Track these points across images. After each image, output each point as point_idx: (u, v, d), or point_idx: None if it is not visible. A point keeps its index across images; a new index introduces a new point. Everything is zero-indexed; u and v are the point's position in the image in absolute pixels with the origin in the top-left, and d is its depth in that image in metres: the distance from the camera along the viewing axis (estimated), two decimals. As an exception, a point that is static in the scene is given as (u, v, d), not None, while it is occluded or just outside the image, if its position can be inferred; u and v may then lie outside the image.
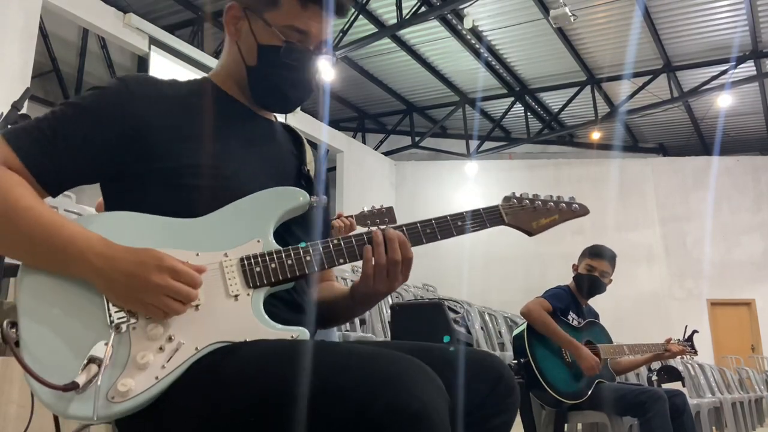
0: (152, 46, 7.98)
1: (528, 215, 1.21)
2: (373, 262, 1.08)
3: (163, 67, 7.94)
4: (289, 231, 1.13)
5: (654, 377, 4.16)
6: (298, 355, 0.91)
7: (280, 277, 1.04)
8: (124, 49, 8.97)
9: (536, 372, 3.10)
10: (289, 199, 1.11)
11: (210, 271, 1.02)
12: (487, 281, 11.89)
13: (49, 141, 1.02)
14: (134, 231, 1.02)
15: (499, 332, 6.43)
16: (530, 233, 1.22)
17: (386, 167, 13.26)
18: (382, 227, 1.11)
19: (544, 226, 1.22)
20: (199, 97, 1.15)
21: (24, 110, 2.36)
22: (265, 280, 1.03)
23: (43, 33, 8.72)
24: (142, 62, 8.61)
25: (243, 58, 1.16)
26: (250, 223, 1.07)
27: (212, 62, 8.78)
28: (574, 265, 3.43)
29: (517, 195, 1.21)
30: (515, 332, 3.34)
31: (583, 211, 1.25)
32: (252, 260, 1.04)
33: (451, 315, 3.31)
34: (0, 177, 0.98)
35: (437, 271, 10.82)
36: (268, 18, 1.12)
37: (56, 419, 1.26)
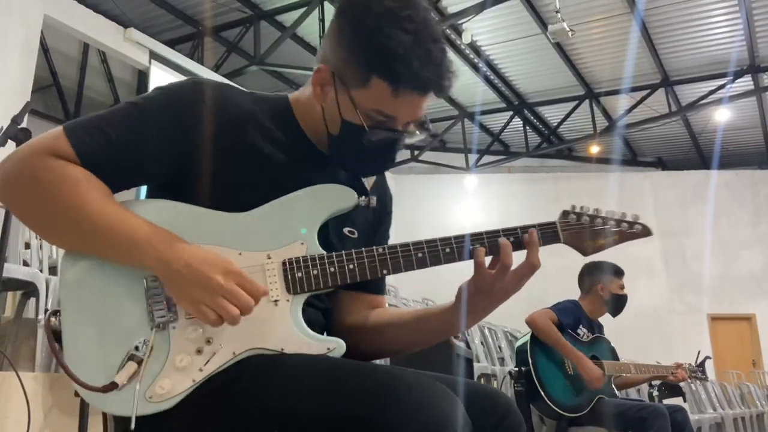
0: (153, 60, 8.00)
1: (587, 234, 1.10)
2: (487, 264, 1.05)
3: (164, 82, 7.95)
4: (334, 232, 1.11)
5: (655, 393, 4.13)
6: (330, 377, 0.92)
7: (322, 285, 1.02)
8: (124, 64, 9.00)
9: (536, 382, 3.09)
10: (335, 197, 1.07)
11: (252, 273, 0.99)
12: (487, 295, 11.87)
13: (110, 142, 1.00)
14: (177, 221, 1.00)
15: (499, 347, 6.40)
16: (585, 253, 1.11)
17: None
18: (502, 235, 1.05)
19: (601, 246, 1.11)
20: (271, 122, 1.11)
21: (24, 124, 2.37)
22: (306, 287, 1.01)
23: (43, 47, 8.76)
24: (143, 76, 8.64)
25: (326, 123, 1.09)
26: (295, 221, 1.04)
27: (212, 76, 8.81)
28: (601, 286, 3.41)
29: (577, 209, 1.11)
30: (519, 341, 3.34)
31: (645, 232, 1.12)
32: (294, 264, 1.01)
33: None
34: (67, 169, 0.97)
35: (437, 285, 10.77)
36: (355, 96, 1.03)
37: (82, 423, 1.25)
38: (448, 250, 1.05)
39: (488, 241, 1.05)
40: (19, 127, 2.29)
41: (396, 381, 0.89)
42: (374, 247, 1.04)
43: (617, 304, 3.39)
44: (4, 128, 2.27)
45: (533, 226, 1.07)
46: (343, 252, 1.03)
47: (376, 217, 1.22)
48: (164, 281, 0.95)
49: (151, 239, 0.95)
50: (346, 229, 1.14)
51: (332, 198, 1.06)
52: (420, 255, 1.05)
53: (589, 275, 3.47)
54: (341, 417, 0.86)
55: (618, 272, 3.44)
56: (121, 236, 0.95)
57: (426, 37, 1.02)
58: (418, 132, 1.10)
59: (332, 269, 1.02)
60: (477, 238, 1.05)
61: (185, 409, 0.94)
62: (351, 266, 1.02)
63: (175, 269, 0.93)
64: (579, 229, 1.09)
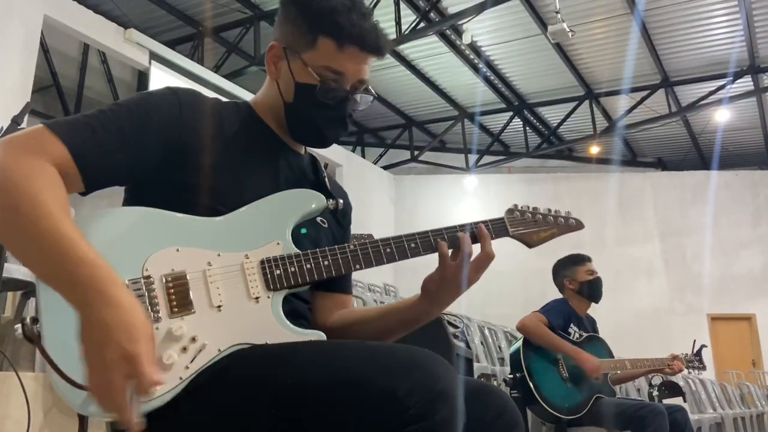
0: (152, 61, 8.01)
1: (530, 228, 1.24)
2: (449, 259, 1.14)
3: (164, 82, 7.97)
4: (310, 221, 1.17)
5: (655, 392, 4.14)
6: (317, 351, 0.96)
7: (300, 281, 1.07)
8: (124, 64, 9.00)
9: (532, 387, 3.08)
10: (306, 201, 1.14)
11: (232, 272, 1.04)
12: (487, 295, 11.85)
13: (98, 137, 1.01)
14: (157, 226, 1.03)
15: (499, 347, 6.40)
16: (530, 245, 1.26)
17: (385, 181, 13.28)
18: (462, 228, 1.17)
19: (543, 239, 1.26)
20: (239, 123, 1.19)
21: (24, 124, 2.37)
22: (285, 283, 1.06)
23: (43, 48, 8.76)
24: (143, 77, 8.64)
25: (281, 94, 1.20)
26: (269, 224, 1.09)
27: (212, 77, 8.82)
28: (568, 280, 3.42)
29: (520, 207, 1.26)
30: (512, 348, 3.33)
31: (578, 226, 1.29)
32: (272, 263, 1.06)
33: (451, 330, 3.30)
34: (37, 175, 0.92)
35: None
36: (306, 58, 1.16)
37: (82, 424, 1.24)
38: (413, 245, 1.14)
39: (448, 235, 1.16)
40: (19, 127, 2.29)
41: (384, 348, 0.94)
42: (346, 245, 1.12)
43: (590, 290, 3.37)
44: (4, 128, 2.27)
45: (485, 222, 1.21)
46: (318, 250, 1.10)
47: (339, 215, 1.31)
48: (79, 324, 0.86)
49: (90, 278, 0.86)
50: (318, 219, 1.23)
51: (304, 202, 1.14)
52: (388, 250, 1.13)
53: (556, 276, 3.48)
54: (331, 385, 0.90)
55: (577, 260, 3.43)
56: (61, 264, 0.87)
57: (360, 5, 1.17)
58: (364, 94, 1.21)
59: (308, 266, 1.08)
60: (437, 233, 1.16)
61: (178, 408, 0.95)
62: (326, 262, 1.09)
63: (90, 319, 0.85)
64: (523, 223, 1.24)
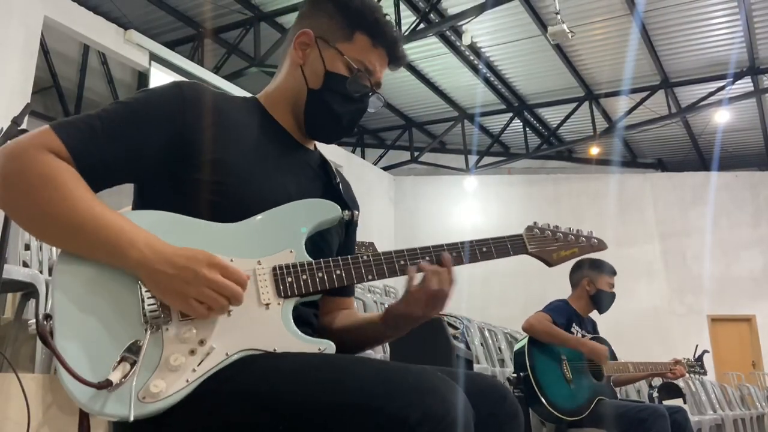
0: (152, 62, 8.01)
1: (549, 246, 1.22)
2: (416, 282, 1.12)
3: (164, 83, 7.95)
4: (319, 242, 1.16)
5: (655, 394, 4.13)
6: (329, 369, 0.94)
7: (311, 289, 1.06)
8: (124, 65, 9.01)
9: (535, 387, 3.09)
10: (322, 211, 1.13)
11: None
12: (487, 297, 11.86)
13: (98, 136, 1.02)
14: (171, 230, 1.03)
15: (499, 348, 6.39)
16: (550, 264, 1.23)
17: (385, 182, 13.28)
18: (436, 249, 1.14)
19: (563, 257, 1.23)
20: (247, 117, 1.18)
21: (24, 125, 2.37)
22: (296, 291, 1.05)
23: (44, 49, 8.76)
24: (143, 78, 8.64)
25: (306, 80, 1.20)
26: (283, 232, 1.09)
27: (212, 78, 8.81)
28: (587, 281, 3.41)
29: (539, 225, 1.23)
30: (516, 347, 3.34)
31: (601, 246, 1.27)
32: (284, 270, 1.06)
33: (451, 331, 3.30)
34: (53, 166, 0.97)
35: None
36: (340, 48, 1.19)
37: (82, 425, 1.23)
38: (427, 258, 1.13)
39: (457, 250, 1.14)
40: (19, 128, 2.29)
41: (396, 370, 0.92)
42: (359, 255, 1.11)
43: (603, 301, 3.38)
44: (4, 129, 2.27)
45: (502, 239, 1.18)
46: (330, 259, 1.09)
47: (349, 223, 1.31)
48: (147, 281, 0.96)
49: (134, 240, 0.96)
50: None
51: (320, 212, 1.13)
52: (402, 262, 1.12)
53: (578, 270, 3.48)
54: (343, 406, 0.89)
55: (607, 269, 3.43)
56: (105, 235, 0.96)
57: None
58: (378, 95, 1.24)
59: (320, 275, 1.07)
60: (453, 247, 1.15)
61: (183, 412, 0.94)
62: (338, 272, 1.08)
63: (159, 269, 0.94)
64: (542, 241, 1.22)
